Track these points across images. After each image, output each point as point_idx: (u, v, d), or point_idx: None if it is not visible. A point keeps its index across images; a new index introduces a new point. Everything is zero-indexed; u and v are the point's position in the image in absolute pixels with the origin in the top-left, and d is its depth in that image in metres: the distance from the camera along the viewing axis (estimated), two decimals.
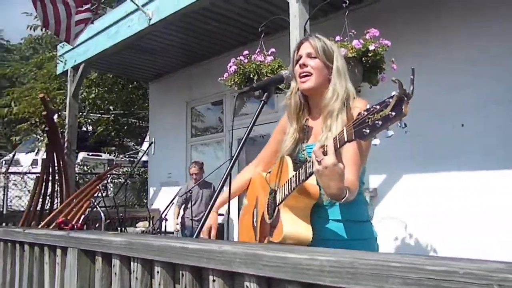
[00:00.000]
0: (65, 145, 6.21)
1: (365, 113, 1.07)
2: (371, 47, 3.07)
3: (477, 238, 3.58)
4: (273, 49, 3.79)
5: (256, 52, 3.80)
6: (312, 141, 1.58)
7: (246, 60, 3.76)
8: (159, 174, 7.22)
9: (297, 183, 1.33)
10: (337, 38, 3.27)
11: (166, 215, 5.37)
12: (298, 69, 1.58)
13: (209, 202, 5.30)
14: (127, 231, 5.91)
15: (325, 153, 1.20)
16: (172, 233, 5.47)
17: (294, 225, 1.36)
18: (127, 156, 10.91)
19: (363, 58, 3.13)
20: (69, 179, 5.77)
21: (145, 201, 8.22)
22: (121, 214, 5.54)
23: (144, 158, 10.31)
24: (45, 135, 6.10)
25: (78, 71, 6.32)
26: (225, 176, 1.46)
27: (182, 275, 0.97)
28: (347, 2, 3.31)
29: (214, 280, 0.88)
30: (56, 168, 5.40)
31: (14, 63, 12.12)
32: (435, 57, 4.05)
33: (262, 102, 1.54)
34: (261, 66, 3.67)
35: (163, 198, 5.50)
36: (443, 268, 0.59)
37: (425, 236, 3.96)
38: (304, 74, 1.55)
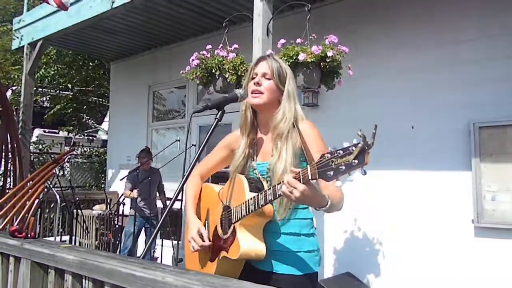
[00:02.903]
0: (20, 124, 6.03)
1: (329, 155, 1.20)
2: (330, 53, 3.19)
3: (421, 234, 3.87)
4: (236, 45, 3.84)
5: (219, 47, 3.84)
6: (261, 159, 1.70)
7: (208, 55, 3.79)
8: (118, 156, 7.16)
9: (256, 207, 1.46)
10: (298, 40, 3.37)
11: (124, 198, 5.39)
12: (252, 85, 1.69)
13: (156, 187, 5.38)
14: (83, 214, 5.88)
15: (293, 184, 1.30)
16: (129, 216, 5.49)
17: (250, 243, 1.49)
18: (85, 134, 10.65)
19: (321, 63, 3.25)
20: (23, 159, 5.66)
21: (103, 183, 8.14)
22: (77, 197, 5.48)
23: (104, 137, 10.13)
24: None
25: (36, 48, 6.08)
26: (190, 168, 1.59)
27: None
28: (310, 6, 3.40)
29: None
30: (9, 147, 5.27)
31: None
32: (389, 63, 4.24)
33: (216, 120, 1.63)
34: (224, 61, 3.72)
35: (122, 181, 5.49)
36: None
37: (372, 230, 4.22)
38: (256, 91, 1.67)
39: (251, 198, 1.48)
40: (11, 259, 1.52)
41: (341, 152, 1.17)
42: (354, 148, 1.15)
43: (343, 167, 1.16)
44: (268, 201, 1.43)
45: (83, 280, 1.21)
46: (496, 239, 3.50)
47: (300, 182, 1.29)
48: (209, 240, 1.65)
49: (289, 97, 1.66)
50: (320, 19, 3.85)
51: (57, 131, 10.31)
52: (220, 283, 0.90)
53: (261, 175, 1.65)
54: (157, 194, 5.53)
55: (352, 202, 4.35)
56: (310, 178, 1.25)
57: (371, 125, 4.06)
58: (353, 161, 1.14)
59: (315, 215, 1.78)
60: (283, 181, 1.35)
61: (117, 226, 5.66)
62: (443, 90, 3.89)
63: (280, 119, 1.62)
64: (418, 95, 4.03)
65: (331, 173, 1.18)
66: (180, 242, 5.92)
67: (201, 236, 1.61)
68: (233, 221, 1.55)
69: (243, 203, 1.51)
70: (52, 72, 7.90)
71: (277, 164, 1.56)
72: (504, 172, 3.52)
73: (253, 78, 1.70)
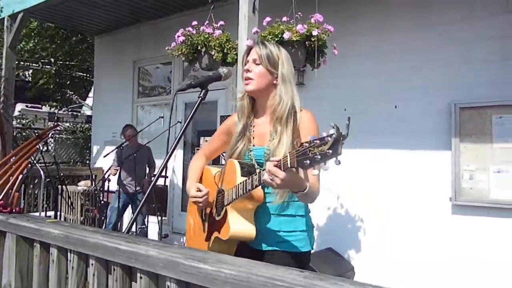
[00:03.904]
0: (1, 98, 5.93)
1: (307, 144, 1.24)
2: (315, 32, 3.19)
3: (400, 211, 3.98)
4: (222, 22, 3.81)
5: (205, 24, 3.81)
6: (258, 143, 1.74)
7: (194, 31, 3.76)
8: (103, 132, 7.11)
9: (244, 191, 1.52)
10: (284, 18, 3.36)
11: (109, 175, 5.39)
12: (244, 73, 1.74)
13: (145, 163, 5.40)
14: (68, 190, 5.87)
15: (273, 172, 1.35)
16: (115, 192, 5.51)
17: (239, 225, 1.57)
18: (69, 109, 10.49)
19: (306, 42, 3.26)
20: (6, 134, 5.58)
21: (88, 159, 8.09)
22: (61, 173, 5.46)
23: (89, 113, 10.01)
24: None
25: (16, 20, 5.91)
26: (174, 145, 1.63)
27: (114, 269, 1.11)
28: None
29: (141, 277, 1.04)
30: None
31: None
32: (374, 42, 4.27)
33: (200, 99, 1.66)
34: (210, 38, 3.69)
35: (107, 157, 5.48)
36: None
37: (354, 207, 4.32)
38: (247, 78, 1.71)
39: (241, 183, 1.54)
40: None
41: (317, 141, 1.21)
42: (329, 138, 1.18)
43: (319, 157, 1.19)
44: (254, 186, 1.49)
45: (68, 254, 1.25)
46: (472, 216, 3.63)
47: (281, 169, 1.33)
48: (207, 222, 1.72)
49: (284, 80, 1.69)
50: None
51: (40, 106, 10.13)
52: (201, 256, 0.94)
53: (256, 159, 1.70)
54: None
55: (335, 180, 4.44)
56: (289, 166, 1.30)
57: (356, 104, 4.13)
58: (328, 151, 1.18)
59: None
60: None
61: (102, 202, 5.68)
62: (426, 70, 3.95)
63: (278, 103, 1.66)
64: (401, 75, 4.08)
65: (308, 162, 1.22)
66: (165, 218, 5.98)
67: (199, 190, 1.69)
68: (225, 204, 1.62)
69: (234, 187, 1.57)
70: (31, 45, 7.69)
71: (277, 150, 1.61)
72: (483, 152, 3.62)
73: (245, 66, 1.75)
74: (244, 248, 1.64)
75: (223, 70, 1.71)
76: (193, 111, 1.64)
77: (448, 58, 3.84)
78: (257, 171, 1.50)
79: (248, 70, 1.71)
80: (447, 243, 3.72)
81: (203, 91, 1.66)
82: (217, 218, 1.68)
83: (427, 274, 3.78)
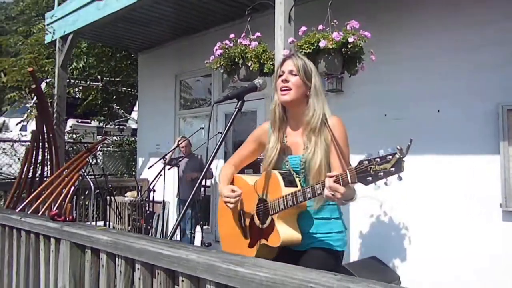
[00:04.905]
0: (54, 115, 6.30)
1: (366, 162, 1.36)
2: (351, 39, 3.19)
3: (448, 218, 3.86)
4: (258, 34, 3.89)
5: (242, 36, 3.89)
6: (292, 153, 1.81)
7: (231, 44, 3.86)
8: (147, 144, 7.37)
9: (294, 203, 1.61)
10: (320, 27, 3.38)
11: (154, 185, 5.60)
12: (280, 83, 1.78)
13: (196, 171, 5.61)
14: (116, 200, 6.13)
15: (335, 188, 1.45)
16: (160, 202, 5.71)
17: (288, 232, 1.67)
18: (116, 123, 10.98)
19: (342, 49, 3.26)
20: (59, 149, 5.93)
21: (134, 170, 8.40)
22: (110, 185, 5.72)
23: (134, 126, 10.42)
24: (34, 104, 6.17)
25: (67, 41, 6.32)
26: (213, 154, 1.74)
27: (158, 273, 1.18)
28: None
29: (183, 280, 1.10)
30: (46, 138, 5.53)
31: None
32: (413, 46, 4.18)
33: (237, 109, 1.72)
34: (246, 50, 3.78)
35: (152, 169, 5.69)
36: None
37: (398, 215, 4.22)
38: (285, 88, 1.76)
39: (289, 194, 1.63)
40: (52, 240, 1.67)
41: (378, 160, 1.33)
42: (391, 157, 1.31)
43: (382, 174, 1.33)
44: (307, 199, 1.60)
45: (116, 258, 1.34)
46: None
47: (340, 185, 1.43)
48: (248, 229, 1.79)
49: (316, 93, 1.77)
50: (342, 5, 3.83)
51: (89, 121, 10.69)
52: (238, 260, 0.99)
53: (292, 167, 1.77)
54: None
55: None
56: (349, 182, 1.40)
57: (396, 109, 4.05)
58: (391, 169, 1.31)
59: None
60: (320, 182, 1.53)
61: (148, 212, 5.88)
62: (470, 72, 3.82)
63: (311, 115, 1.74)
64: (444, 78, 3.98)
65: (370, 178, 1.34)
66: (208, 227, 6.10)
67: (233, 191, 1.75)
68: (271, 213, 1.70)
69: (281, 198, 1.65)
70: (82, 65, 8.17)
71: (312, 159, 1.69)
72: None
73: (280, 76, 1.80)
74: (283, 250, 1.71)
75: (258, 81, 1.77)
76: (230, 121, 1.71)
77: (493, 59, 3.70)
78: (316, 186, 1.57)
79: (286, 80, 1.76)
80: (498, 252, 3.55)
81: (240, 102, 1.73)
82: (262, 226, 1.74)
83: (477, 284, 3.62)
